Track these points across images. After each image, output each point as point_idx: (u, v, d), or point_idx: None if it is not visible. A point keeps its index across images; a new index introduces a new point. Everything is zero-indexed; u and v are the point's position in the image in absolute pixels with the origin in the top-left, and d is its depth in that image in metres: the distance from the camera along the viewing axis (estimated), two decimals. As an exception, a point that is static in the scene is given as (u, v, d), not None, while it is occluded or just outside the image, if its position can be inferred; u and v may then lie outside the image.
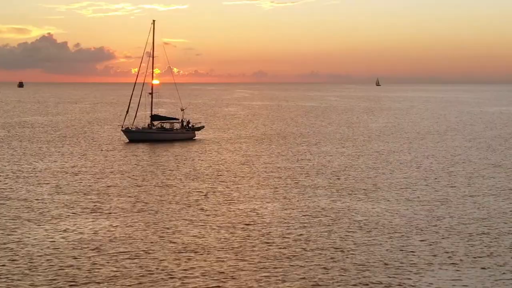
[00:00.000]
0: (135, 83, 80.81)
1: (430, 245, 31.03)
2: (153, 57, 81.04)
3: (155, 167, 57.51)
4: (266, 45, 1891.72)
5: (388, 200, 42.03)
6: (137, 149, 71.43)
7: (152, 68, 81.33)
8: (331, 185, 47.76)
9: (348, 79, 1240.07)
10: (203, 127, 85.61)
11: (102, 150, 69.61)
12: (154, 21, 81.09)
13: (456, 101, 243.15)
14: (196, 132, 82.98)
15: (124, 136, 79.04)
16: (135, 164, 59.22)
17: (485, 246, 30.92)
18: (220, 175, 52.41)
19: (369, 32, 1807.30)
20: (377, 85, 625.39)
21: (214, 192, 44.84)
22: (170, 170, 55.60)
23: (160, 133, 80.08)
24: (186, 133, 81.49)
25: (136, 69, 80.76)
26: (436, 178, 51.36)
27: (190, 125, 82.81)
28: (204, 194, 44.09)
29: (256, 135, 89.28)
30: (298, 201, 41.60)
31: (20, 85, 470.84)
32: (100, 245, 30.76)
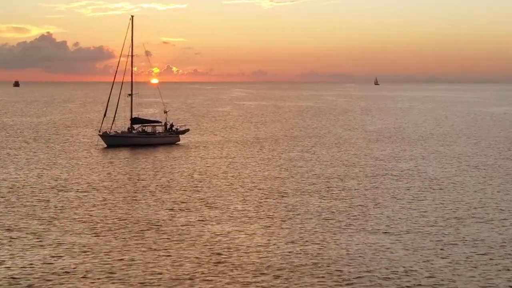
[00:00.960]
0: (113, 82, 74.90)
1: (441, 286, 25.09)
2: (132, 56, 75.05)
3: (129, 177, 51.56)
4: (266, 44, 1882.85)
5: (389, 218, 36.08)
6: (114, 155, 65.47)
7: (132, 67, 75.41)
8: (323, 200, 41.77)
9: (348, 78, 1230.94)
10: (188, 130, 79.48)
11: (74, 157, 63.51)
12: (132, 16, 75.19)
13: (456, 101, 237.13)
14: (180, 136, 76.97)
15: (102, 141, 73.03)
16: (107, 173, 53.23)
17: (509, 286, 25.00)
18: (199, 187, 46.43)
19: (369, 31, 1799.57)
20: (375, 84, 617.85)
21: (186, 209, 38.83)
22: (143, 180, 49.66)
23: (141, 137, 74.10)
24: (170, 137, 75.48)
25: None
26: (442, 190, 45.45)
27: (174, 128, 76.80)
28: (174, 212, 38.12)
29: (246, 139, 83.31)
30: (282, 221, 35.56)
31: (16, 84, 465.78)
32: (30, 284, 24.81)
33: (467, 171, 54.83)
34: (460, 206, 40.10)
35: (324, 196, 42.93)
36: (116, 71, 74.53)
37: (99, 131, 73.48)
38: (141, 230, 33.43)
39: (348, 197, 42.65)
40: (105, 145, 72.15)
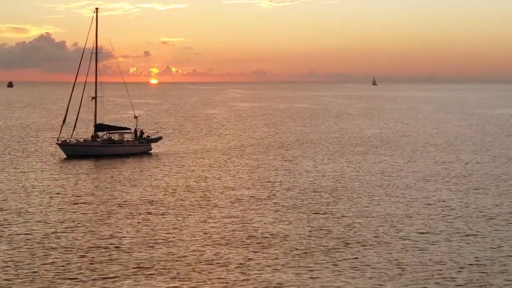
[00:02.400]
0: (75, 82, 66.43)
1: None
2: (96, 53, 66.28)
3: (79, 197, 42.72)
4: (265, 44, 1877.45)
5: (390, 263, 27.35)
6: (71, 168, 56.64)
7: (96, 65, 66.66)
8: (305, 232, 32.94)
9: (348, 78, 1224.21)
10: (160, 137, 70.49)
11: (22, 171, 54.54)
12: (97, 9, 66.47)
13: (457, 102, 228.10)
14: (152, 144, 68.09)
15: (61, 150, 64.08)
16: (56, 193, 44.27)
17: None
18: (157, 214, 37.58)
19: (368, 31, 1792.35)
20: (373, 85, 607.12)
21: (128, 249, 29.95)
22: (95, 203, 40.83)
23: (106, 146, 65.17)
24: (140, 145, 66.57)
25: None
26: (457, 219, 36.70)
27: (144, 136, 67.91)
28: (116, 250, 29.27)
29: (228, 147, 74.45)
30: (254, 266, 26.71)
31: (10, 85, 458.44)
32: None
33: (483, 190, 46.00)
34: (484, 247, 31.18)
35: (308, 227, 34.12)
36: (78, 70, 65.78)
37: (57, 140, 64.63)
38: (61, 280, 24.62)
39: (338, 229, 33.84)
40: (64, 156, 63.29)
